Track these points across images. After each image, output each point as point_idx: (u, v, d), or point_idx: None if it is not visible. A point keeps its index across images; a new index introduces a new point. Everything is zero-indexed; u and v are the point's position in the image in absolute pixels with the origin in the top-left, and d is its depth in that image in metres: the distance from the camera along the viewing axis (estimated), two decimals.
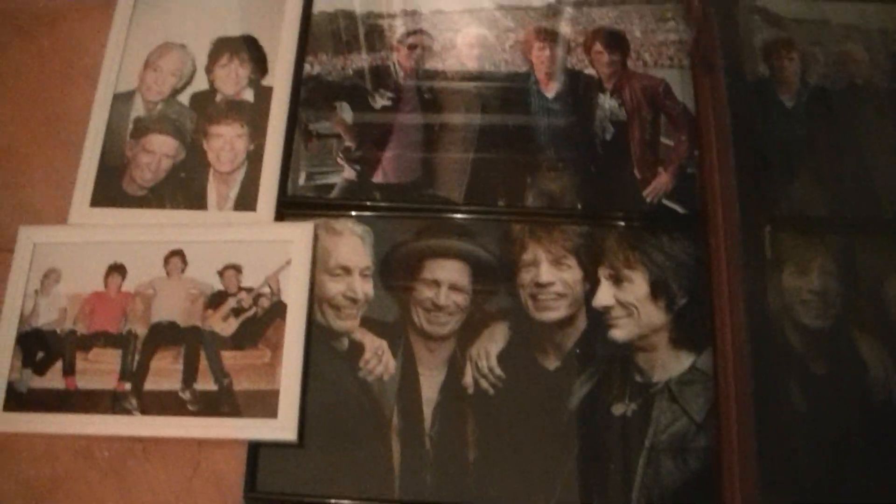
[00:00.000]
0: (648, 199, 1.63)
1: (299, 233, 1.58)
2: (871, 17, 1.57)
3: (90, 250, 1.64)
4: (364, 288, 1.57)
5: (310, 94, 1.75)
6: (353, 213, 1.64)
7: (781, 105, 1.62)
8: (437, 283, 1.56)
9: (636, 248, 1.59)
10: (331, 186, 1.66)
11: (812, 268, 1.46)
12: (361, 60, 1.77)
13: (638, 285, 1.57)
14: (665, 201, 1.63)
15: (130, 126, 1.75)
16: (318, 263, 1.60)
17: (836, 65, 1.61)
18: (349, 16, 1.82)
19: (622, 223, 1.62)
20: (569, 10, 1.80)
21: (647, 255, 1.58)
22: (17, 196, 1.74)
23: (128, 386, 1.52)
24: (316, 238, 1.60)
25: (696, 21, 1.58)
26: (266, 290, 1.55)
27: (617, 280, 1.57)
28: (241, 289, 1.56)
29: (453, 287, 1.56)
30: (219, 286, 1.57)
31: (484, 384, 1.49)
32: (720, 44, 1.49)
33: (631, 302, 1.55)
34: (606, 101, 1.71)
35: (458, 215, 1.63)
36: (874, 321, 1.39)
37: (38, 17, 1.91)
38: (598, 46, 1.76)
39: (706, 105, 1.57)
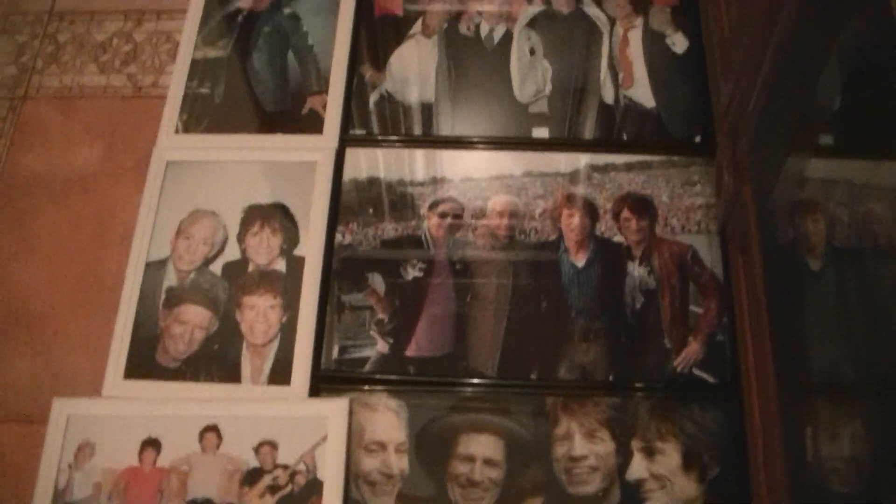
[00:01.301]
0: (679, 369, 1.74)
1: (335, 409, 1.70)
2: (892, 175, 1.65)
3: (124, 424, 1.75)
4: (399, 464, 1.69)
5: (342, 265, 1.88)
6: (387, 387, 1.74)
7: (808, 268, 1.73)
8: (471, 459, 1.67)
9: (667, 419, 1.70)
10: (364, 360, 1.78)
11: (843, 434, 1.55)
12: (392, 229, 1.90)
13: (670, 457, 1.67)
14: (695, 370, 1.74)
15: (163, 295, 1.88)
16: (353, 439, 1.71)
17: (860, 225, 1.71)
18: (379, 184, 1.96)
19: (653, 394, 1.72)
20: (596, 176, 1.94)
21: (679, 426, 1.69)
22: (50, 365, 1.87)
23: None
24: (351, 413, 1.71)
25: (727, 198, 1.69)
26: (302, 467, 1.67)
27: (649, 452, 1.68)
28: (276, 465, 1.68)
29: (488, 462, 1.67)
30: (255, 463, 1.68)
31: None
32: (754, 221, 1.58)
33: (664, 474, 1.65)
34: (636, 270, 1.84)
35: (492, 390, 1.73)
36: None
37: (71, 181, 2.06)
38: (626, 213, 1.90)
39: (739, 278, 1.68)
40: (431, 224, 1.88)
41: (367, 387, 1.74)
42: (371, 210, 1.91)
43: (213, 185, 1.98)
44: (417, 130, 2.00)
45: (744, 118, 1.60)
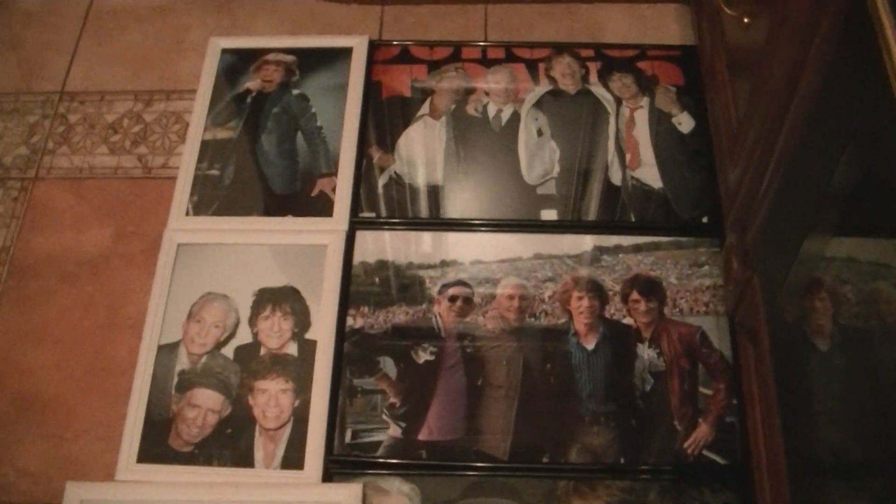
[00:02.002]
0: (689, 451, 1.81)
1: (348, 494, 1.77)
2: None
3: None
4: None
5: (353, 349, 1.95)
6: (400, 471, 1.81)
7: (816, 348, 1.79)
8: None
9: (678, 502, 1.76)
10: (377, 444, 1.85)
11: None
12: (403, 313, 1.98)
13: None
14: (706, 452, 1.81)
15: (175, 379, 1.95)
16: None
17: (866, 304, 1.77)
18: (388, 267, 2.04)
19: (664, 477, 1.79)
20: (605, 258, 2.02)
21: None
22: (63, 449, 1.93)
23: None
24: (364, 498, 1.78)
25: (736, 284, 1.76)
26: None
27: None
28: None
29: None
30: None
31: None
32: (763, 309, 1.64)
33: None
34: (645, 352, 1.91)
35: (504, 473, 1.81)
36: None
37: (81, 263, 2.13)
38: (635, 295, 1.98)
39: (748, 362, 1.74)
40: (442, 308, 1.96)
41: (379, 471, 1.80)
42: (382, 293, 1.98)
43: (224, 267, 2.05)
44: (425, 213, 2.08)
45: (753, 204, 1.65)
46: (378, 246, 2.03)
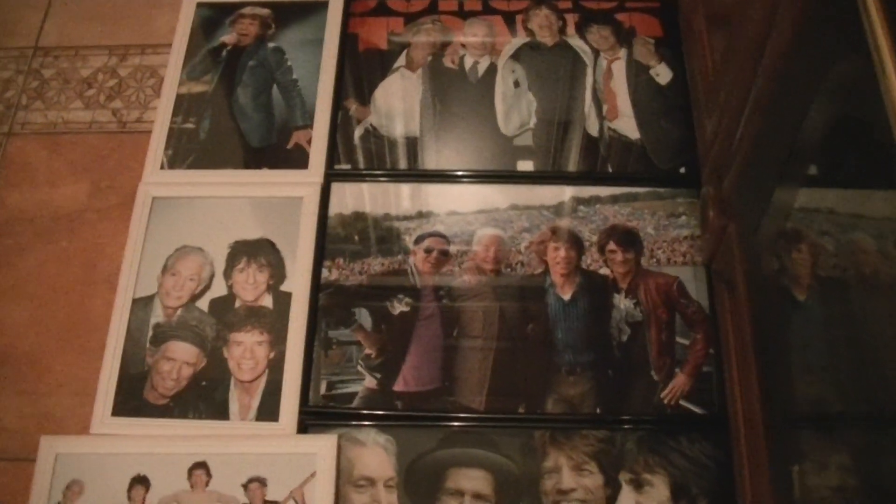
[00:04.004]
0: (667, 402, 1.78)
1: (323, 445, 1.74)
2: (876, 204, 1.66)
3: (113, 462, 1.78)
4: (388, 499, 1.73)
5: (328, 301, 1.92)
6: (376, 423, 1.78)
7: (794, 299, 1.77)
8: (460, 493, 1.71)
9: (656, 452, 1.74)
10: (352, 395, 1.82)
11: (830, 464, 1.58)
12: (378, 264, 1.95)
13: (659, 489, 1.72)
14: (683, 402, 1.79)
15: (150, 332, 1.92)
16: (342, 475, 1.74)
17: (845, 255, 1.75)
18: (365, 218, 2.00)
19: (641, 427, 1.77)
20: (582, 209, 1.98)
21: (667, 459, 1.74)
22: (38, 404, 1.90)
23: None
24: (339, 449, 1.75)
25: (712, 233, 1.73)
26: (291, 503, 1.71)
27: (638, 485, 1.72)
28: (266, 502, 1.71)
29: (477, 496, 1.71)
30: (244, 500, 1.72)
31: None
32: (740, 257, 1.61)
33: None
34: (622, 302, 1.88)
35: (480, 424, 1.78)
36: None
37: (57, 219, 2.09)
38: (612, 245, 1.95)
39: (725, 311, 1.71)
40: (417, 259, 1.93)
41: (355, 422, 1.77)
42: (357, 245, 1.95)
43: (200, 220, 2.01)
44: (402, 164, 2.05)
45: (728, 153, 1.63)
46: (354, 198, 2.00)
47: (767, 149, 1.47)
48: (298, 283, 1.91)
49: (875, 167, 1.10)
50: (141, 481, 1.76)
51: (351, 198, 2.01)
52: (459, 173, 2.05)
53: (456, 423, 1.79)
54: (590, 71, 2.16)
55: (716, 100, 1.73)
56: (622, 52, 2.19)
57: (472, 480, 1.72)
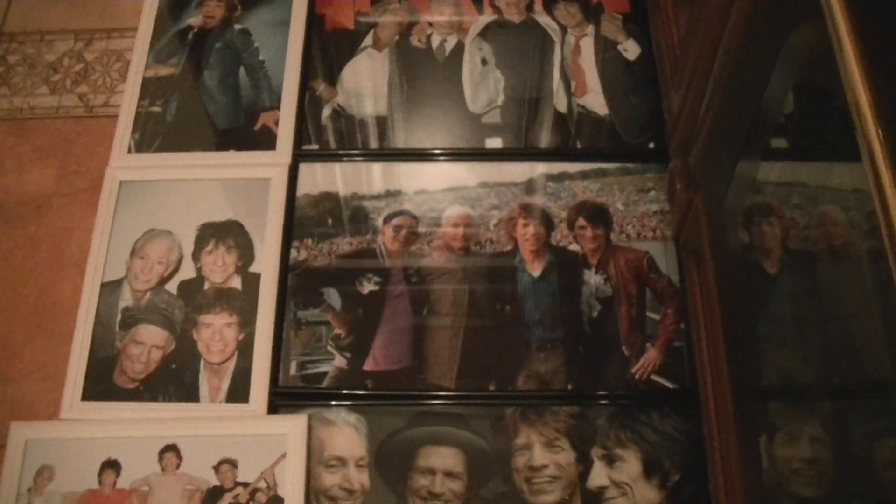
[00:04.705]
0: (638, 376, 1.78)
1: (293, 426, 1.73)
2: (844, 177, 1.67)
3: (83, 446, 1.77)
4: (360, 479, 1.72)
5: (297, 281, 1.91)
6: (346, 402, 1.77)
7: (765, 272, 1.77)
8: (432, 471, 1.71)
9: (627, 427, 1.74)
10: (322, 375, 1.81)
11: (802, 435, 1.58)
12: (347, 244, 1.93)
13: (631, 464, 1.71)
14: (654, 377, 1.79)
15: (119, 316, 1.90)
16: (313, 455, 1.73)
17: (815, 227, 1.75)
18: (333, 198, 1.99)
19: (613, 402, 1.76)
20: (551, 185, 1.97)
21: (639, 433, 1.73)
22: (7, 390, 1.88)
23: None
24: (310, 429, 1.74)
25: (680, 206, 1.73)
26: (262, 484, 1.70)
27: (610, 460, 1.72)
28: (237, 484, 1.71)
29: (448, 474, 1.71)
30: (215, 482, 1.71)
31: None
32: (706, 230, 1.61)
33: (625, 481, 1.69)
34: (592, 278, 1.88)
35: (450, 402, 1.77)
36: (867, 486, 1.50)
37: (24, 204, 2.08)
38: (581, 221, 1.94)
39: (694, 285, 1.71)
40: (386, 238, 1.92)
41: (325, 402, 1.76)
42: (326, 225, 1.93)
43: (167, 203, 2.00)
44: (371, 144, 2.04)
45: (694, 127, 1.63)
46: (322, 178, 2.00)
47: (730, 121, 1.47)
48: (267, 265, 1.90)
49: (837, 139, 1.10)
50: (111, 465, 1.75)
51: (318, 178, 2.00)
52: (427, 151, 2.04)
53: (426, 402, 1.78)
54: (557, 48, 2.15)
55: (681, 74, 1.72)
56: (590, 29, 2.18)
57: (444, 458, 1.72)
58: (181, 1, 2.30)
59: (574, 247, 1.90)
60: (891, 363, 0.96)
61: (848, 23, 0.92)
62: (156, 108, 2.13)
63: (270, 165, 2.01)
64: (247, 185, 2.00)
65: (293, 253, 1.92)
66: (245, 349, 1.82)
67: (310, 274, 1.90)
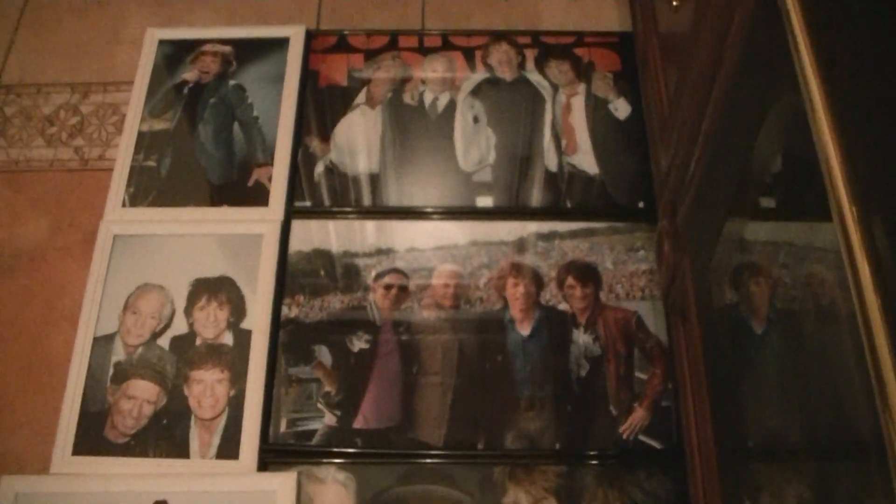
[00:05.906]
0: (625, 436, 1.80)
1: (283, 483, 1.75)
2: (831, 236, 1.67)
3: (74, 501, 1.78)
4: None
5: (289, 338, 1.93)
6: (336, 460, 1.79)
7: (751, 331, 1.79)
8: None
9: (614, 487, 1.75)
10: (312, 433, 1.83)
11: (787, 496, 1.60)
12: (338, 301, 1.96)
13: None
14: (642, 437, 1.80)
15: (111, 370, 1.92)
16: None
17: (802, 287, 1.77)
18: (325, 255, 2.01)
19: (600, 462, 1.78)
20: (541, 244, 2.00)
21: (626, 493, 1.75)
22: None
23: None
24: (299, 487, 1.76)
25: (667, 266, 1.75)
26: None
27: None
28: None
29: None
30: None
31: None
32: (693, 290, 1.64)
33: None
34: (581, 337, 1.90)
35: (439, 460, 1.79)
36: None
37: (18, 256, 2.09)
38: (570, 280, 1.96)
39: (680, 344, 1.73)
40: (377, 296, 1.94)
41: (315, 460, 1.78)
42: (317, 283, 1.96)
43: (161, 258, 2.02)
44: (364, 201, 2.06)
45: (682, 187, 1.65)
46: (314, 235, 2.02)
47: (718, 181, 1.49)
48: (259, 321, 1.92)
49: (825, 199, 1.11)
50: None
51: (310, 235, 2.03)
52: (418, 209, 2.06)
53: (415, 461, 1.79)
54: (549, 106, 2.18)
55: (670, 134, 1.75)
56: (581, 87, 2.21)
57: None
58: (177, 55, 2.33)
59: (563, 306, 1.93)
60: (874, 424, 0.97)
61: (824, 100, 0.94)
62: (150, 163, 2.16)
63: (263, 221, 2.04)
64: (240, 240, 2.02)
65: (284, 309, 1.94)
66: (236, 405, 1.83)
67: (301, 330, 1.92)
